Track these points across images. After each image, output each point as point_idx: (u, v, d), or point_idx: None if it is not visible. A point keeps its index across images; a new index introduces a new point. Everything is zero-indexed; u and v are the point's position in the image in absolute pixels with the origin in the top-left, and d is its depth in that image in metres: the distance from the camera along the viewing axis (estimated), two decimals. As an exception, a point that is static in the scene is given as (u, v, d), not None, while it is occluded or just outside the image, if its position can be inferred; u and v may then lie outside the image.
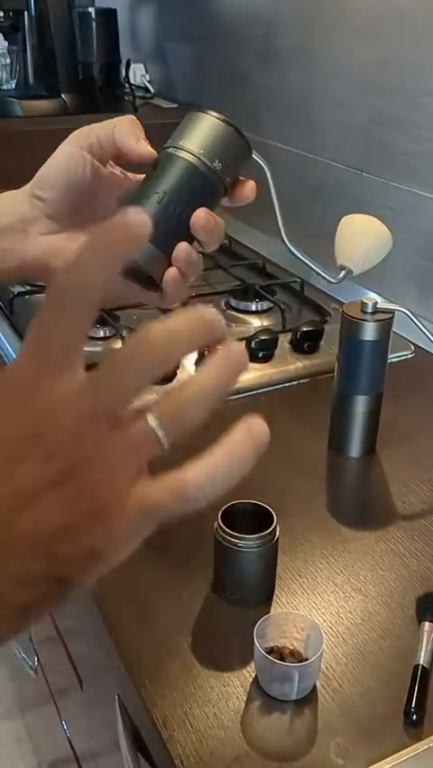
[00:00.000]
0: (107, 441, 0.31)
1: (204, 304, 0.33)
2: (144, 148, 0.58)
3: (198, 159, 0.58)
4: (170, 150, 0.59)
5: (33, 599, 0.32)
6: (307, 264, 0.65)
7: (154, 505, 0.32)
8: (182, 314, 0.32)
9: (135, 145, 0.58)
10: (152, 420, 0.32)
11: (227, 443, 0.35)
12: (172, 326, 0.32)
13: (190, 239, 0.58)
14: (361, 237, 0.64)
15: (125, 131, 0.59)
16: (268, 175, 0.63)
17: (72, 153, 0.59)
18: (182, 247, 0.58)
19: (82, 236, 0.61)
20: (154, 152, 0.59)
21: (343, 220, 0.65)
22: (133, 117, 0.60)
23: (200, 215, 0.57)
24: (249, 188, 0.62)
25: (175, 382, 0.33)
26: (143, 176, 0.61)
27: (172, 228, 0.58)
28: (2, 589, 0.31)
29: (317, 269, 0.64)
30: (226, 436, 0.35)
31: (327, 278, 0.63)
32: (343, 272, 0.65)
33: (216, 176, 0.59)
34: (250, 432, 0.37)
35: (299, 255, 0.64)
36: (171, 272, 0.59)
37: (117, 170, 0.62)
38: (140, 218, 0.32)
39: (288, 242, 0.65)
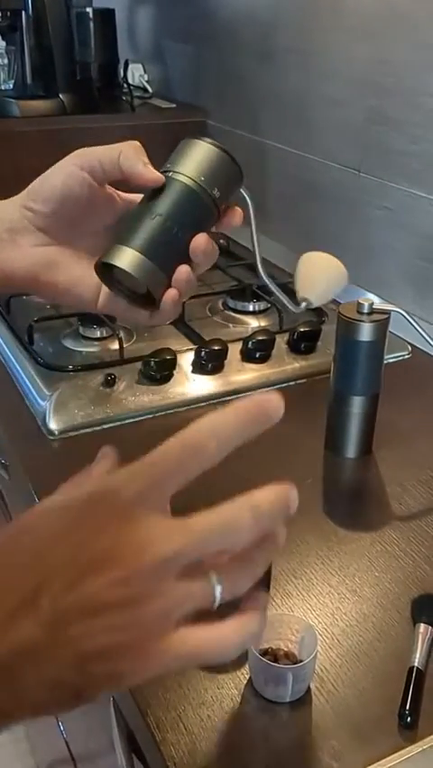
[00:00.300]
0: (173, 584, 0.34)
1: None
2: (153, 174, 0.59)
3: (200, 185, 0.60)
4: (171, 175, 0.60)
5: (49, 702, 0.34)
6: (275, 293, 0.69)
7: (190, 653, 0.35)
8: (274, 493, 0.37)
9: (143, 171, 0.59)
10: (214, 579, 0.35)
11: (263, 605, 0.39)
12: (268, 510, 0.37)
13: (188, 261, 0.60)
14: (319, 274, 0.70)
15: (132, 157, 0.59)
16: (250, 208, 0.66)
17: (72, 173, 0.59)
18: (184, 270, 0.59)
19: (73, 251, 0.62)
20: (162, 178, 0.60)
21: (301, 258, 0.70)
22: (137, 143, 0.60)
23: (201, 241, 0.59)
24: (237, 216, 0.64)
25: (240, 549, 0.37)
26: (136, 195, 0.62)
27: (173, 250, 0.60)
28: (29, 685, 0.32)
29: (283, 300, 0.69)
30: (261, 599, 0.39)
31: (290, 307, 0.69)
32: (304, 304, 0.71)
33: (214, 203, 0.61)
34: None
35: (269, 283, 0.68)
36: (171, 293, 0.60)
37: (112, 191, 0.63)
38: (277, 401, 0.38)
39: (262, 273, 0.68)
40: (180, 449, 0.36)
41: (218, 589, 0.35)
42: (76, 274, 0.61)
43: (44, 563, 0.33)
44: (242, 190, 0.64)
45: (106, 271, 0.60)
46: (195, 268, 0.60)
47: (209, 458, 0.36)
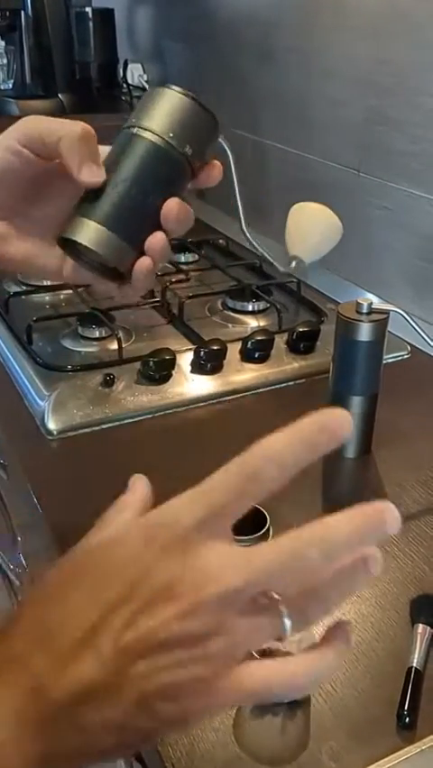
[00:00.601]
0: (239, 618, 0.32)
1: None
2: (89, 176, 0.52)
3: (167, 142, 0.53)
4: (134, 131, 0.53)
5: (116, 746, 0.32)
6: (263, 253, 0.65)
7: (258, 689, 0.33)
8: (358, 517, 0.34)
9: (76, 170, 0.52)
10: (283, 611, 0.33)
11: (334, 638, 0.37)
12: (340, 539, 0.33)
13: (159, 227, 0.54)
14: (311, 228, 0.64)
15: (70, 149, 0.52)
16: (230, 160, 0.60)
17: (9, 147, 0.53)
18: (158, 238, 0.54)
19: (30, 224, 0.57)
20: (98, 181, 0.53)
21: (293, 209, 0.64)
22: (86, 130, 0.53)
23: (172, 206, 0.53)
24: (216, 171, 0.58)
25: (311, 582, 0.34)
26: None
27: (142, 218, 0.54)
28: (94, 730, 0.31)
29: (270, 259, 0.65)
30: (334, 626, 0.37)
31: (279, 267, 0.64)
32: (294, 262, 0.65)
33: (187, 161, 0.54)
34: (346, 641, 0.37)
35: (252, 240, 0.64)
36: (144, 263, 0.55)
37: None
38: (343, 417, 0.35)
39: (246, 230, 0.64)
40: (239, 475, 0.35)
41: (288, 623, 0.33)
42: (34, 246, 0.57)
43: (102, 599, 0.32)
44: (220, 140, 0.59)
45: (70, 245, 0.55)
46: (168, 234, 0.55)
47: (271, 482, 0.35)
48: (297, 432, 0.35)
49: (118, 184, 0.53)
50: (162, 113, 0.54)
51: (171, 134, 0.54)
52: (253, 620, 0.33)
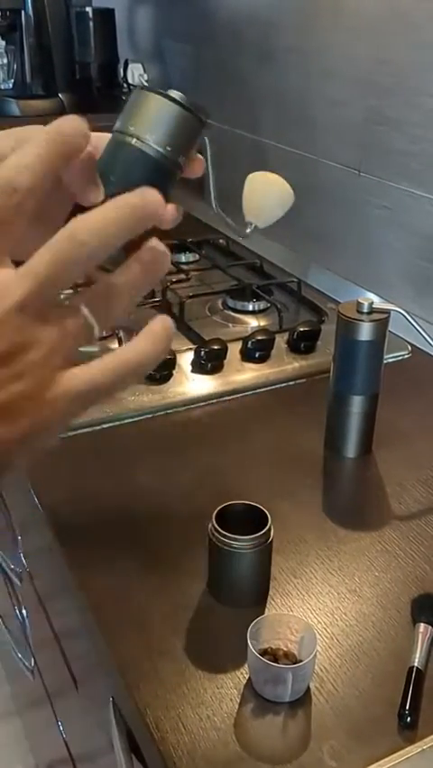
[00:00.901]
0: (39, 328, 0.33)
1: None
2: (93, 199, 0.48)
3: (165, 156, 0.52)
4: (122, 138, 0.52)
5: None
6: (224, 220, 0.67)
7: (84, 388, 0.34)
8: (111, 205, 0.34)
9: (79, 194, 0.48)
10: (85, 311, 0.34)
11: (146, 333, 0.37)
12: (101, 223, 0.34)
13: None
14: (264, 195, 0.67)
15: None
16: (207, 148, 0.61)
17: None
18: (151, 245, 0.54)
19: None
20: (101, 199, 0.48)
21: (247, 179, 0.67)
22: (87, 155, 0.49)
23: (171, 211, 0.53)
24: (199, 165, 0.55)
25: (102, 278, 0.35)
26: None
27: None
28: None
29: (232, 225, 0.67)
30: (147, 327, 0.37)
31: (238, 233, 0.67)
32: (249, 228, 0.68)
33: (180, 168, 0.54)
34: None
35: (220, 212, 0.66)
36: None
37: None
38: (75, 122, 0.36)
39: (214, 204, 0.65)
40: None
41: (92, 320, 0.34)
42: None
43: None
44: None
45: None
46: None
47: (27, 195, 0.34)
48: (37, 145, 0.35)
49: (106, 194, 0.53)
50: (158, 122, 0.52)
51: (169, 148, 0.52)
52: (57, 326, 0.33)
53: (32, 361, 0.32)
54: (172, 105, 0.52)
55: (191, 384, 1.04)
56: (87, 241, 0.33)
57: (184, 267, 1.41)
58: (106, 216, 0.34)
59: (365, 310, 0.84)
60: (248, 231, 0.69)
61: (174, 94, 0.53)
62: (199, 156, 0.56)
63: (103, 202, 0.52)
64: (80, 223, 0.33)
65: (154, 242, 0.37)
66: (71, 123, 0.36)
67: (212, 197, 0.65)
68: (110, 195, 0.52)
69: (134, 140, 0.51)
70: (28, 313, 0.32)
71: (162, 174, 0.52)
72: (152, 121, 0.52)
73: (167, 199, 0.54)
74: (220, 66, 1.67)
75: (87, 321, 0.34)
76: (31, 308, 0.32)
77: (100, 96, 1.74)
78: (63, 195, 0.54)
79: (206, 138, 0.60)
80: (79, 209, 0.54)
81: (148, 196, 0.36)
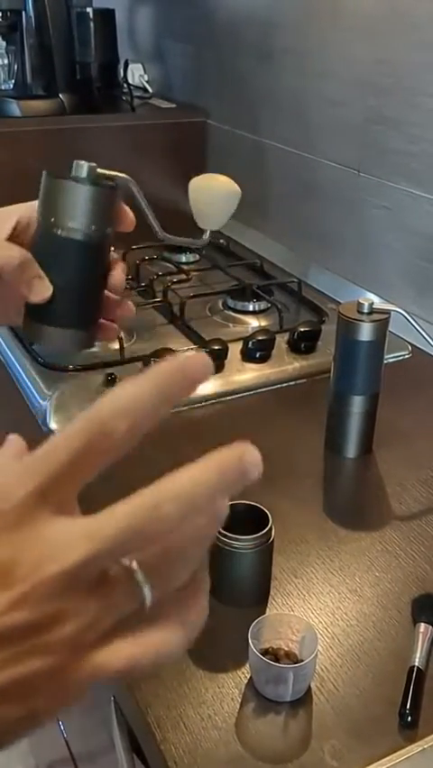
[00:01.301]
0: (85, 597, 0.28)
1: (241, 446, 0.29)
2: (37, 296, 0.56)
3: (91, 236, 0.55)
4: (48, 231, 0.56)
5: None
6: (175, 240, 0.69)
7: (124, 668, 0.29)
8: (213, 467, 0.29)
9: (26, 292, 0.56)
10: (141, 578, 0.29)
11: (204, 587, 0.33)
12: (196, 492, 0.28)
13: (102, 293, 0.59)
14: (209, 199, 0.68)
15: (14, 276, 0.55)
16: (135, 192, 0.62)
17: None
18: (119, 313, 0.59)
19: None
20: (48, 296, 0.56)
21: (190, 185, 0.68)
22: (23, 258, 0.56)
23: (116, 281, 0.57)
24: (129, 223, 0.59)
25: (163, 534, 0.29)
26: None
27: (91, 303, 0.58)
28: None
29: (186, 240, 0.72)
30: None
31: (194, 244, 0.70)
32: (205, 234, 0.71)
33: (104, 236, 0.57)
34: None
35: (169, 237, 0.67)
36: (109, 327, 0.60)
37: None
38: (203, 359, 0.29)
39: (160, 233, 0.67)
40: (83, 433, 0.29)
41: (147, 590, 0.29)
42: None
43: None
44: (121, 181, 0.60)
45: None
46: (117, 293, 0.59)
47: (120, 442, 0.29)
48: (149, 380, 0.29)
49: (63, 287, 0.56)
50: (75, 207, 0.55)
51: (93, 226, 0.55)
52: (106, 597, 0.28)
53: (61, 637, 0.27)
54: (82, 188, 0.55)
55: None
56: (173, 513, 0.28)
57: (184, 267, 1.41)
58: (198, 481, 0.29)
59: (366, 310, 0.84)
60: (204, 237, 0.71)
61: (81, 168, 0.56)
62: (127, 211, 0.58)
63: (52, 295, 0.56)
64: (168, 489, 0.28)
65: (220, 509, 0.31)
66: (197, 360, 0.30)
67: (156, 229, 0.66)
68: (56, 285, 0.56)
69: (60, 230, 0.55)
70: (75, 581, 0.27)
71: (97, 250, 0.57)
72: (69, 208, 0.55)
73: (108, 266, 0.58)
74: (220, 66, 1.68)
75: (141, 589, 0.29)
76: (80, 577, 0.27)
77: (101, 96, 1.74)
78: (9, 293, 0.56)
79: (130, 184, 0.61)
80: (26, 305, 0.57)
81: (247, 456, 0.29)
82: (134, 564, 0.29)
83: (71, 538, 0.28)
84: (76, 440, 0.28)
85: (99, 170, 0.57)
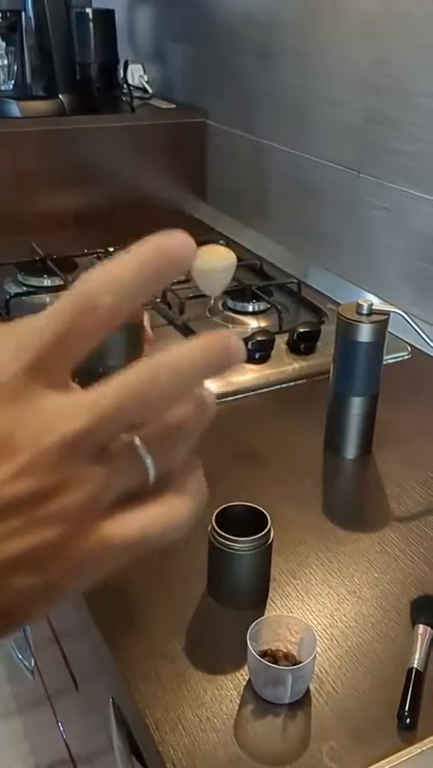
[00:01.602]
0: (91, 466, 0.28)
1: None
2: None
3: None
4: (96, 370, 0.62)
5: None
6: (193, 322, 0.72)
7: (132, 540, 0.29)
8: (200, 345, 0.29)
9: None
10: (142, 451, 0.29)
11: (198, 466, 0.33)
12: (187, 365, 0.29)
13: None
14: (210, 271, 0.72)
15: None
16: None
17: None
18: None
19: None
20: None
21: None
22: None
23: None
24: (149, 339, 0.61)
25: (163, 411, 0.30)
26: None
27: None
28: None
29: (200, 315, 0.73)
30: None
31: (208, 313, 0.71)
32: (212, 299, 0.72)
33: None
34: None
35: (186, 320, 0.71)
36: None
37: None
38: (183, 239, 0.29)
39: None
40: (69, 308, 0.29)
41: (149, 462, 0.29)
42: None
43: None
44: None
45: None
46: None
47: (106, 317, 0.29)
48: (132, 257, 0.29)
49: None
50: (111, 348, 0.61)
51: (130, 359, 0.61)
52: (108, 468, 0.29)
53: (66, 507, 0.28)
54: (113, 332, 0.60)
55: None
56: (167, 382, 0.29)
57: (184, 268, 1.41)
58: (193, 359, 0.29)
59: (365, 311, 0.84)
60: (212, 302, 0.74)
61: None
62: (149, 333, 0.62)
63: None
64: (164, 360, 0.29)
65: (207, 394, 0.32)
66: (178, 238, 0.30)
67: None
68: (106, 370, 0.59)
69: (99, 368, 0.58)
70: (76, 450, 0.28)
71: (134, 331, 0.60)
72: (103, 348, 0.59)
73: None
74: (219, 66, 1.68)
75: (143, 462, 0.29)
76: (81, 446, 0.28)
77: (100, 96, 1.74)
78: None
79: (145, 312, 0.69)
80: None
81: (233, 338, 0.30)
82: (136, 439, 0.29)
83: (70, 408, 0.28)
84: (63, 315, 0.28)
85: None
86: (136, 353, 0.62)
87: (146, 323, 0.64)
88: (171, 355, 0.29)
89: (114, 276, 0.29)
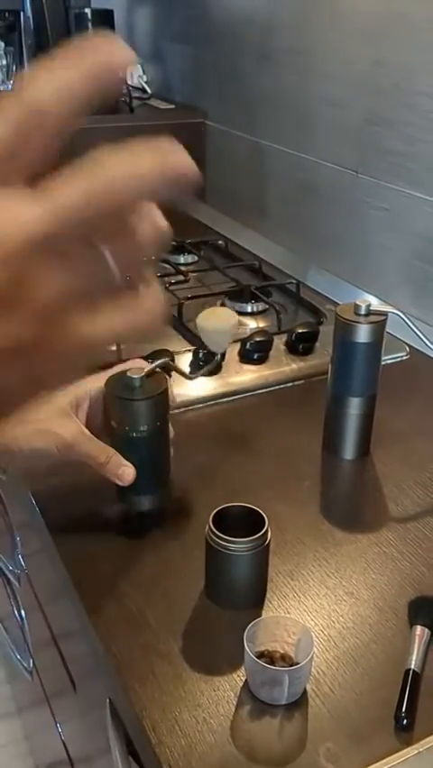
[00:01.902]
0: (50, 268, 0.28)
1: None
2: (127, 480, 0.74)
3: (150, 430, 0.73)
4: (130, 435, 0.73)
5: None
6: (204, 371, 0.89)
7: (95, 340, 0.30)
8: (142, 154, 0.29)
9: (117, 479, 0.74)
10: (103, 250, 0.29)
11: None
12: (133, 170, 0.29)
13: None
14: (215, 332, 0.84)
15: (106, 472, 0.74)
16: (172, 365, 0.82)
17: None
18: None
19: None
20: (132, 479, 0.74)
21: (199, 321, 0.84)
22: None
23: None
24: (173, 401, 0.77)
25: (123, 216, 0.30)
26: None
27: (160, 473, 0.78)
28: None
29: (209, 368, 0.89)
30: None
31: (187, 375, 0.83)
32: (217, 356, 0.87)
33: (167, 422, 0.75)
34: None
35: (197, 375, 0.89)
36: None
37: None
38: (117, 43, 0.29)
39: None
40: (15, 109, 0.28)
41: (113, 263, 0.29)
42: None
43: None
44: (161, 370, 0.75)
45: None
46: None
47: (53, 118, 0.29)
48: (74, 64, 0.29)
49: (143, 468, 0.74)
50: (142, 416, 0.72)
51: (158, 422, 0.73)
52: (72, 265, 0.29)
53: (35, 305, 0.28)
54: (140, 403, 0.71)
55: (190, 385, 1.04)
56: (126, 190, 0.28)
57: (183, 268, 1.41)
58: (145, 167, 0.29)
59: (363, 312, 0.84)
60: (217, 358, 0.86)
61: (134, 381, 0.71)
62: (173, 393, 0.76)
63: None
64: (114, 162, 0.28)
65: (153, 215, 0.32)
66: (114, 46, 0.29)
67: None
68: (138, 467, 0.74)
69: (134, 433, 0.72)
70: (39, 249, 0.28)
71: (162, 434, 0.74)
72: (135, 418, 0.72)
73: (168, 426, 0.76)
74: (218, 67, 1.68)
75: (106, 264, 0.29)
76: (44, 245, 0.28)
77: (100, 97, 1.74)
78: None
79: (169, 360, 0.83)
80: None
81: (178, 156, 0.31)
82: (98, 243, 0.29)
83: (26, 205, 0.28)
84: (10, 116, 0.28)
85: (147, 369, 0.72)
86: (164, 420, 0.74)
87: (170, 391, 0.74)
88: (126, 163, 0.28)
89: (55, 83, 0.28)
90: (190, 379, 0.83)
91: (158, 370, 0.73)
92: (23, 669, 1.34)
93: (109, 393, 0.72)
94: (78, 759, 1.13)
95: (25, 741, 1.71)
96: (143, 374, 0.72)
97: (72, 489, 0.84)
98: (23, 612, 1.32)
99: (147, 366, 0.73)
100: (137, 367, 0.72)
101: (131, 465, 0.73)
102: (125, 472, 0.73)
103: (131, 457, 0.74)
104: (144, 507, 0.77)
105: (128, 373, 0.71)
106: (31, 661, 1.33)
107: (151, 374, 0.73)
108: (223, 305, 1.26)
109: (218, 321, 0.84)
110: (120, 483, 0.73)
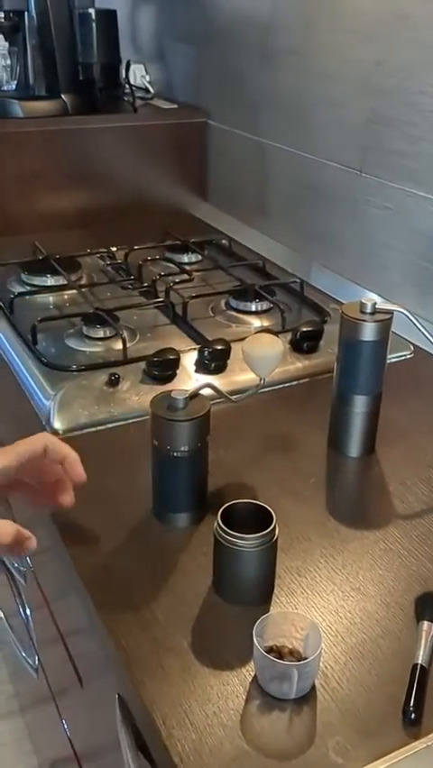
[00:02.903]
0: None
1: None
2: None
3: (191, 449, 0.76)
4: (172, 455, 0.76)
5: None
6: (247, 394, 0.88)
7: None
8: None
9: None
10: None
11: None
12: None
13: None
14: (263, 357, 0.86)
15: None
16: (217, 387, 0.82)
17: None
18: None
19: None
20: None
21: (244, 346, 0.86)
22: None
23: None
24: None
25: None
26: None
27: (198, 491, 0.80)
28: None
29: (252, 390, 0.88)
30: None
31: (230, 398, 0.84)
32: (261, 382, 0.87)
33: (206, 443, 0.77)
34: None
35: (240, 397, 0.90)
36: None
37: None
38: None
39: None
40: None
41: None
42: None
43: None
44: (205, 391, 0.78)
45: None
46: None
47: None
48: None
49: (181, 485, 0.78)
50: (183, 436, 0.75)
51: (199, 443, 0.76)
52: None
53: None
54: (183, 425, 0.74)
55: (195, 384, 1.04)
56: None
57: (187, 267, 1.41)
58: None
59: (368, 310, 0.84)
60: (261, 383, 0.88)
61: (178, 402, 0.74)
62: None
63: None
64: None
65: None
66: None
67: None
68: (176, 483, 0.78)
69: (176, 453, 0.75)
70: None
71: (202, 454, 0.77)
72: (177, 438, 0.75)
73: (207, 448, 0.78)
74: (221, 67, 1.68)
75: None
76: None
77: (103, 97, 1.74)
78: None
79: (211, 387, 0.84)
80: None
81: None
82: None
83: None
84: None
85: (191, 391, 0.75)
86: (204, 442, 0.76)
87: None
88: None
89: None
90: (234, 402, 0.86)
91: (201, 392, 0.76)
92: (28, 666, 1.35)
93: (153, 412, 0.75)
94: (84, 755, 1.13)
95: (29, 739, 1.71)
96: (187, 396, 0.74)
97: (78, 486, 0.85)
98: (28, 609, 1.32)
99: (191, 388, 0.76)
100: (180, 389, 0.76)
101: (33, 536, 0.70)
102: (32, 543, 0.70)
103: (170, 475, 0.77)
104: (181, 525, 0.79)
105: (172, 394, 0.74)
106: (36, 658, 1.33)
107: (194, 396, 0.75)
108: (268, 331, 1.26)
109: (265, 348, 0.86)
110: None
